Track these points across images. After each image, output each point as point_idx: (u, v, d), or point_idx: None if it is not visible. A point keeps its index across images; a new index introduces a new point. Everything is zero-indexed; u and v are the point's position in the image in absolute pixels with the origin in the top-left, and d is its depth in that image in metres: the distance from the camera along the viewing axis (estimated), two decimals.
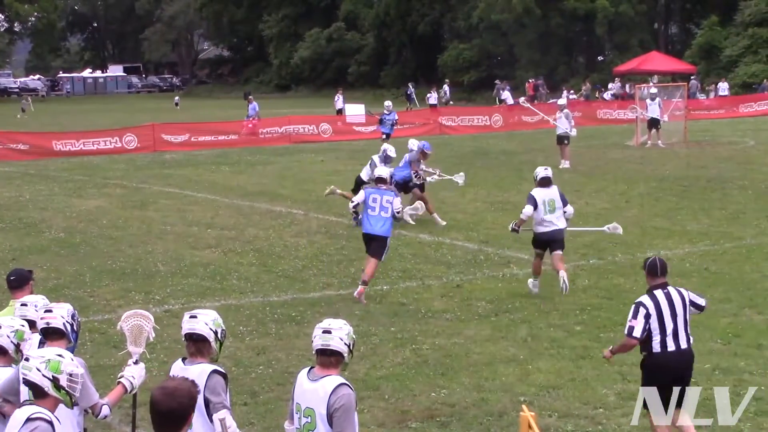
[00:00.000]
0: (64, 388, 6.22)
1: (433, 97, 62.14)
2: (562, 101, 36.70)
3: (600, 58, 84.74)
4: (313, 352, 6.89)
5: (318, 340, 6.85)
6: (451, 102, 67.71)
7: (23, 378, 6.31)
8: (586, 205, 24.18)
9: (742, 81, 65.18)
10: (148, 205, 25.57)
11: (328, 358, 6.81)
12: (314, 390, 6.73)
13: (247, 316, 14.81)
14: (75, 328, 7.65)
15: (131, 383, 7.47)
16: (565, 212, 16.00)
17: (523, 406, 7.82)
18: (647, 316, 9.16)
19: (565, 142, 32.28)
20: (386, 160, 20.78)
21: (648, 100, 39.10)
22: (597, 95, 66.47)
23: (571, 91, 65.08)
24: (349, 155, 37.28)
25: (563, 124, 32.29)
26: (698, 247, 19.05)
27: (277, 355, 12.86)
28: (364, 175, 21.93)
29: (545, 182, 15.93)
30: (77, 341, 8.00)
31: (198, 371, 6.86)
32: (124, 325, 7.74)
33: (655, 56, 67.96)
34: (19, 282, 9.27)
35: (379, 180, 16.16)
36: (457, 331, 13.78)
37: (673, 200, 24.56)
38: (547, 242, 15.93)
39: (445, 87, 69.70)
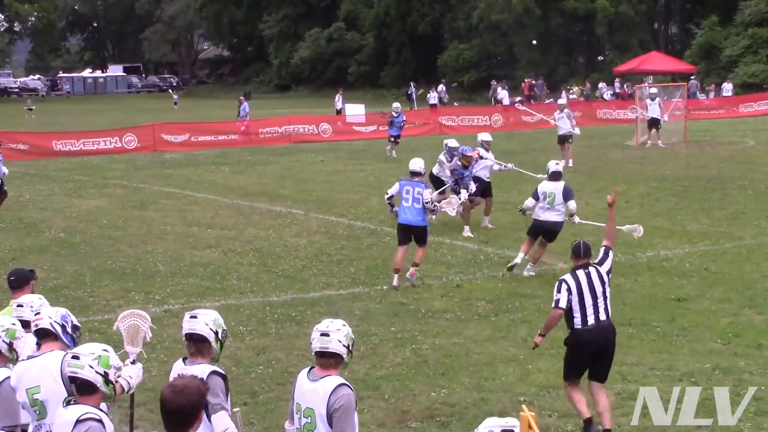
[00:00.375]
0: (112, 383, 6.30)
1: (433, 97, 62.17)
2: (563, 101, 36.66)
3: (600, 58, 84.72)
4: (313, 354, 6.89)
5: (316, 343, 6.85)
6: (446, 102, 67.58)
7: (71, 375, 6.30)
8: (587, 205, 24.14)
9: (743, 81, 65.16)
10: (148, 205, 25.57)
11: (328, 360, 6.82)
12: (314, 390, 6.73)
13: (247, 315, 14.81)
14: (69, 330, 7.59)
15: (128, 383, 7.42)
16: (568, 207, 17.14)
17: (523, 406, 7.79)
18: (569, 290, 9.99)
19: (569, 141, 32.24)
20: (449, 152, 21.58)
21: (648, 100, 39.10)
22: (597, 94, 66.51)
23: (571, 91, 65.08)
24: (349, 155, 37.33)
25: (565, 124, 32.26)
26: (698, 247, 19.05)
27: (277, 355, 12.86)
28: (435, 171, 21.72)
29: (554, 176, 17.20)
30: (75, 344, 7.97)
31: (198, 372, 6.84)
32: (121, 325, 7.74)
33: (655, 56, 68.00)
34: (19, 282, 9.26)
35: (414, 173, 16.72)
36: (457, 331, 13.78)
37: (673, 200, 24.56)
38: (540, 231, 17.29)
39: (441, 87, 69.74)
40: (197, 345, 7.08)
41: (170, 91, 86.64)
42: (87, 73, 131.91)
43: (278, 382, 11.74)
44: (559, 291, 10.06)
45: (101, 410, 6.26)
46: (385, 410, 10.72)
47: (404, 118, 38.51)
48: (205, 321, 7.09)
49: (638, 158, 34.21)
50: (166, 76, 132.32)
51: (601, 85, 68.74)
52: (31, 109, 72.03)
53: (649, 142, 38.70)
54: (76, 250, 19.87)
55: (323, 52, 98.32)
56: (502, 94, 63.37)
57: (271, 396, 11.35)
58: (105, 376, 6.25)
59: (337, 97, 57.66)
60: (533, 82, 71.52)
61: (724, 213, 22.70)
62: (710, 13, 73.69)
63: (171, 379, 7.04)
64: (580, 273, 10.14)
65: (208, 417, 6.80)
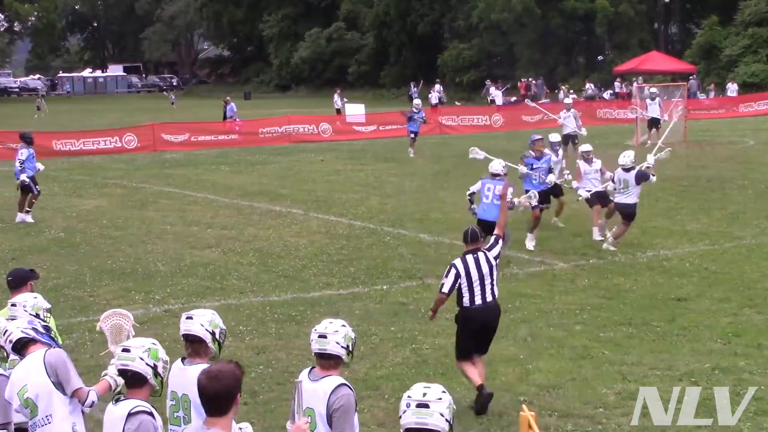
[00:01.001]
0: (160, 375, 6.38)
1: (434, 97, 62.17)
2: (569, 100, 36.51)
3: (600, 57, 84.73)
4: (312, 354, 6.90)
5: (315, 345, 6.86)
6: (444, 101, 67.53)
7: (122, 368, 6.39)
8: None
9: (743, 81, 65.16)
10: (148, 205, 25.58)
11: (327, 361, 6.83)
12: (314, 390, 6.73)
13: (247, 315, 14.81)
14: (41, 329, 7.57)
15: (115, 381, 7.44)
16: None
17: (523, 406, 7.82)
18: (457, 276, 10.79)
19: (576, 141, 32.16)
20: (552, 147, 22.11)
21: (648, 100, 39.10)
22: (583, 96, 66.55)
23: (571, 91, 65.13)
24: (349, 155, 37.33)
25: (571, 124, 32.17)
26: (698, 247, 19.06)
27: (277, 355, 12.86)
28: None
29: (627, 169, 19.23)
30: (55, 341, 7.92)
31: (196, 372, 6.85)
32: (104, 325, 7.75)
33: (655, 56, 67.99)
34: (17, 282, 9.25)
35: (494, 174, 17.50)
36: None
37: (673, 200, 24.56)
38: (619, 211, 19.25)
39: (438, 86, 69.72)
40: (194, 346, 7.11)
41: (165, 93, 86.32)
42: (87, 72, 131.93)
43: (278, 382, 11.74)
44: (447, 276, 10.87)
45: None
46: (385, 410, 10.71)
47: (424, 116, 38.48)
48: (200, 322, 7.09)
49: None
50: (166, 75, 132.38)
51: (588, 85, 68.93)
52: (39, 108, 72.56)
53: (648, 141, 38.67)
54: (76, 250, 19.88)
55: (323, 51, 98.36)
56: (495, 93, 63.45)
57: (271, 396, 11.35)
58: (154, 368, 6.35)
59: (335, 97, 57.65)
60: (533, 81, 71.56)
61: (723, 213, 22.70)
62: (710, 13, 73.69)
63: (170, 380, 7.05)
64: (469, 257, 10.90)
65: None
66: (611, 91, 68.18)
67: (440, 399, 5.38)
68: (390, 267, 17.82)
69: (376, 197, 25.96)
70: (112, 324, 7.72)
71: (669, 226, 21.25)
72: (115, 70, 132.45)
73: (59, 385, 7.18)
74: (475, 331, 10.97)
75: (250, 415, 10.63)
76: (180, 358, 7.16)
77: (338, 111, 54.51)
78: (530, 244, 19.20)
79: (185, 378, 6.93)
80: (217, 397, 5.60)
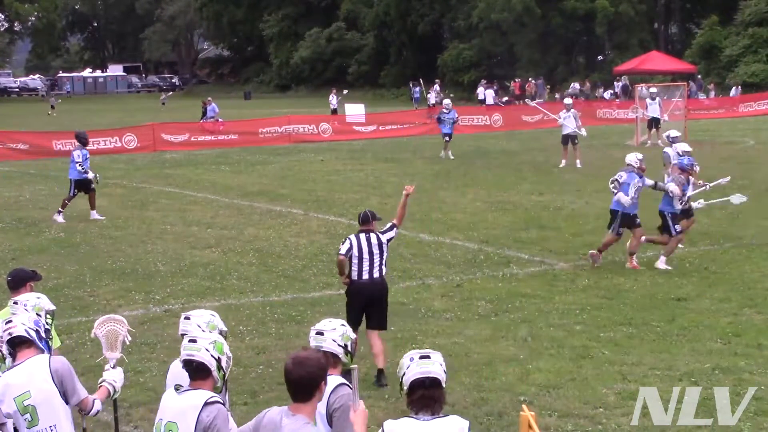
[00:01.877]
0: (223, 369, 6.34)
1: (432, 97, 62.15)
2: (569, 101, 36.48)
3: (600, 57, 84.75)
4: None
5: (312, 342, 6.85)
6: (439, 101, 67.63)
7: (187, 359, 6.32)
8: (587, 204, 24.22)
9: (743, 81, 65.19)
10: (148, 205, 25.59)
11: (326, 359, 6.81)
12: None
13: (247, 315, 14.81)
14: (42, 334, 7.41)
15: (113, 386, 7.48)
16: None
17: (524, 406, 7.81)
18: (350, 247, 11.92)
19: (576, 142, 32.16)
20: (674, 140, 21.54)
21: (648, 100, 39.11)
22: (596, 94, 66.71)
23: (569, 90, 65.20)
24: (349, 155, 37.33)
25: (570, 124, 32.16)
26: (698, 247, 19.06)
27: (277, 355, 12.84)
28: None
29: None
30: (50, 349, 7.81)
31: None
32: (98, 331, 7.70)
33: (655, 56, 68.01)
34: (16, 282, 9.22)
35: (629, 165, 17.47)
36: (457, 330, 13.78)
37: None
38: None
39: (435, 86, 69.74)
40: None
41: (162, 96, 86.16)
42: (87, 72, 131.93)
43: (278, 382, 11.70)
44: (342, 245, 12.11)
45: None
46: (384, 410, 10.70)
47: (456, 116, 36.86)
48: (197, 323, 7.06)
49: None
50: (166, 75, 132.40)
51: (574, 84, 69.06)
52: (53, 106, 73.05)
53: (649, 141, 38.69)
54: (76, 250, 19.88)
55: (323, 51, 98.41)
56: (486, 93, 63.47)
57: (271, 396, 11.32)
58: (218, 361, 6.31)
59: (331, 96, 57.55)
60: (537, 81, 71.62)
61: (723, 213, 22.67)
62: (710, 13, 73.72)
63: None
64: (362, 236, 12.02)
65: None
66: (611, 91, 68.22)
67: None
68: (390, 267, 17.57)
69: (376, 197, 25.95)
70: (107, 330, 7.68)
71: None
72: (115, 70, 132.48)
73: (63, 394, 7.10)
74: (362, 304, 11.97)
75: (251, 415, 10.58)
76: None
77: (334, 111, 54.45)
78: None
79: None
80: (301, 382, 5.73)
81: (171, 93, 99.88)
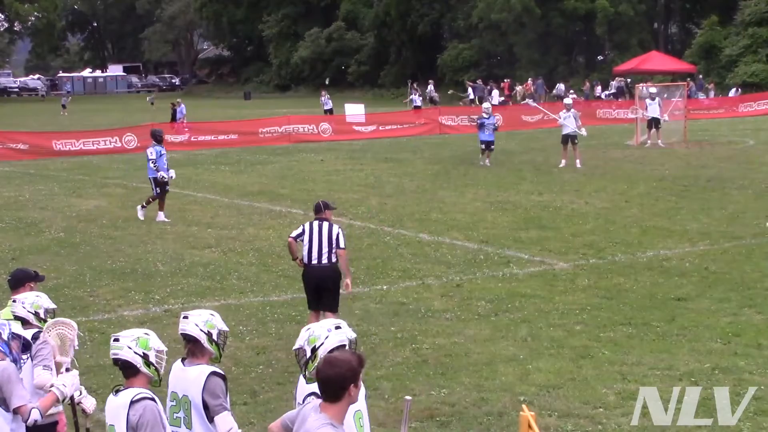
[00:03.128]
0: (153, 365, 6.38)
1: (416, 99, 61.71)
2: (569, 101, 36.38)
3: (599, 57, 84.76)
4: None
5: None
6: (437, 101, 67.45)
7: (114, 358, 6.42)
8: (586, 204, 24.22)
9: (742, 81, 65.21)
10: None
11: None
12: (311, 388, 6.71)
13: (247, 315, 14.81)
14: (5, 337, 7.34)
15: (62, 392, 7.33)
16: None
17: (523, 406, 7.82)
18: (302, 232, 12.93)
19: (575, 141, 32.14)
20: None
21: (648, 100, 39.11)
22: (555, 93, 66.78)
23: (571, 91, 65.15)
24: (348, 155, 37.32)
25: (571, 124, 32.13)
26: (698, 247, 19.05)
27: (277, 355, 12.86)
28: None
29: None
30: (12, 353, 7.70)
31: (196, 373, 6.83)
32: (48, 335, 7.62)
33: (655, 56, 68.05)
34: (14, 283, 9.20)
35: None
36: (457, 330, 13.78)
37: (673, 200, 24.55)
38: None
39: (430, 87, 69.57)
40: (190, 345, 7.02)
41: (149, 96, 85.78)
42: (87, 72, 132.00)
43: (278, 382, 11.74)
44: (296, 230, 13.19)
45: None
46: (384, 410, 10.71)
47: (497, 120, 34.29)
48: (195, 321, 7.01)
49: (638, 158, 34.22)
50: (166, 75, 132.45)
51: (559, 86, 69.18)
52: (64, 106, 73.30)
53: (648, 141, 38.71)
54: (75, 250, 19.88)
55: (323, 51, 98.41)
56: (470, 92, 63.51)
57: (271, 396, 11.34)
58: (144, 357, 6.35)
59: (322, 98, 57.33)
60: (536, 81, 71.64)
61: (723, 213, 22.69)
62: (710, 13, 73.71)
63: (170, 380, 7.03)
64: (315, 223, 12.91)
65: (210, 419, 6.78)
66: (608, 92, 68.24)
67: (321, 326, 6.60)
68: (390, 267, 17.82)
69: (376, 197, 25.96)
70: (55, 334, 7.59)
71: (669, 225, 21.24)
72: (115, 70, 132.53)
73: (2, 401, 7.05)
74: (312, 287, 13.05)
75: (250, 416, 10.65)
76: (180, 359, 7.13)
77: (327, 111, 54.23)
78: None
79: (186, 379, 6.89)
80: (329, 382, 5.74)
81: (157, 92, 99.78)
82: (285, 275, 17.35)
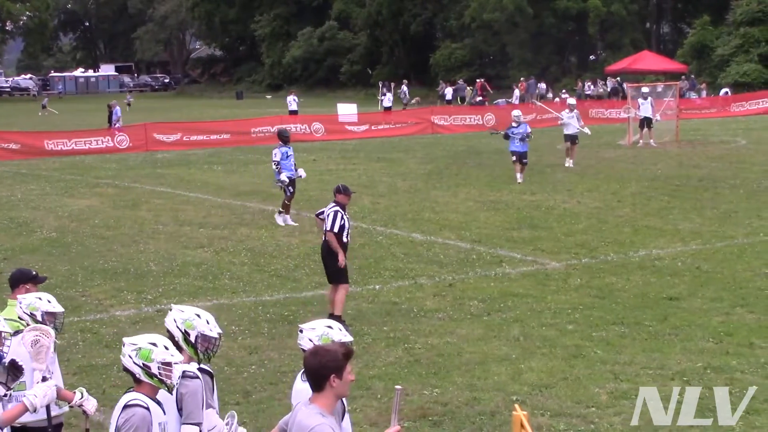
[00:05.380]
0: (156, 376, 6.28)
1: (387, 99, 61.43)
2: (572, 101, 36.29)
3: (592, 57, 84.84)
4: None
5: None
6: (414, 102, 67.27)
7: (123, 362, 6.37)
8: (578, 204, 24.24)
9: (734, 80, 65.31)
10: (140, 205, 25.54)
11: None
12: (303, 390, 6.70)
13: (240, 315, 14.81)
14: None
15: (32, 402, 6.98)
16: None
17: (516, 405, 7.83)
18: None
19: (576, 142, 32.15)
20: None
21: (640, 99, 39.13)
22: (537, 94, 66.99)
23: (564, 90, 65.18)
24: (341, 154, 37.31)
25: (574, 123, 32.10)
26: (690, 246, 19.07)
27: (269, 355, 12.86)
28: None
29: None
30: None
31: (182, 370, 6.80)
32: (24, 341, 7.46)
33: (647, 55, 68.06)
34: (12, 283, 9.14)
35: None
36: (450, 330, 13.78)
37: (665, 199, 24.58)
38: None
39: (404, 87, 69.26)
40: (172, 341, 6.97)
41: (128, 97, 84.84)
42: (79, 72, 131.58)
43: (271, 382, 11.74)
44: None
45: (155, 399, 6.30)
46: (377, 409, 10.71)
47: (528, 130, 28.89)
48: (174, 317, 6.95)
49: (630, 157, 34.24)
50: (158, 75, 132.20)
51: (540, 85, 69.37)
52: (44, 106, 73.05)
53: (641, 141, 38.74)
54: (67, 250, 19.85)
55: (315, 51, 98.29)
56: (447, 91, 63.53)
57: (263, 395, 11.34)
58: (144, 368, 6.25)
59: (289, 99, 56.45)
60: (529, 80, 71.75)
61: (715, 212, 22.72)
62: (702, 13, 73.82)
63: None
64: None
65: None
66: (601, 90, 68.35)
67: (312, 329, 6.73)
68: (382, 266, 17.83)
69: (369, 197, 25.94)
70: (31, 340, 7.39)
71: (661, 225, 21.27)
72: (107, 69, 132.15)
73: None
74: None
75: (243, 416, 10.61)
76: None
77: (293, 112, 53.54)
78: None
79: None
80: (311, 371, 5.88)
81: (133, 92, 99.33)
82: (277, 275, 17.37)
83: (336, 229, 14.20)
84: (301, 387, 6.71)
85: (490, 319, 14.32)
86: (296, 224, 22.38)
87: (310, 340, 6.67)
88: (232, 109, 71.32)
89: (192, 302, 15.05)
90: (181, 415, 6.61)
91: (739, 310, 14.41)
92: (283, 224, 22.26)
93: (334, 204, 14.35)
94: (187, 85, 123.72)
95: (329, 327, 6.80)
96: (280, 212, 22.58)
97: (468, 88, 71.35)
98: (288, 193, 22.49)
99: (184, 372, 6.59)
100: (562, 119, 32.68)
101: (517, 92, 66.08)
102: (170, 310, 7.07)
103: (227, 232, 21.54)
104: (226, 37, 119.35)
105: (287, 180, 22.35)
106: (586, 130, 32.84)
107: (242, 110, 69.12)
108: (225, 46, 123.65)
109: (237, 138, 42.69)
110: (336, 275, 14.30)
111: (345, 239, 14.39)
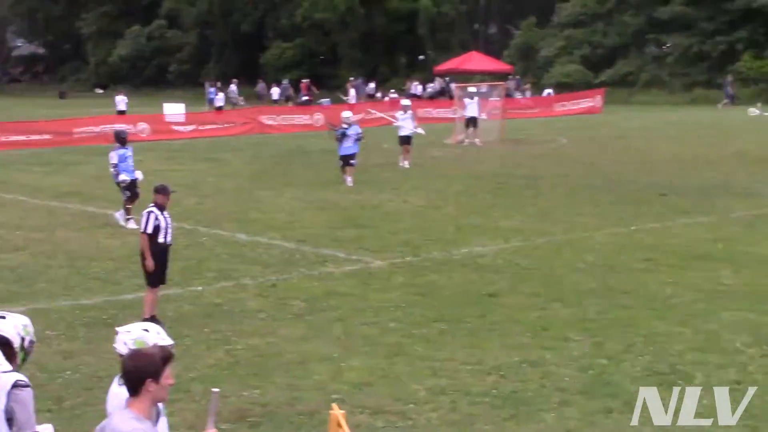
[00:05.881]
0: (25, 350, 6.36)
1: (219, 99, 61.22)
2: (406, 102, 36.65)
3: (421, 57, 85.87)
4: None
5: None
6: (242, 102, 66.90)
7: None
8: (404, 203, 24.46)
9: (557, 81, 67.10)
10: None
11: None
12: (120, 394, 6.50)
13: (56, 320, 14.35)
14: None
15: None
16: None
17: (333, 405, 7.78)
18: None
19: (411, 142, 32.44)
20: None
21: (466, 99, 39.80)
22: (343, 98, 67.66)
23: (392, 90, 65.74)
24: (167, 155, 36.74)
25: (408, 125, 32.40)
26: (511, 243, 19.43)
27: (85, 359, 12.51)
28: None
29: None
30: None
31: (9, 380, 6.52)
32: None
33: (475, 56, 69.36)
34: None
35: None
36: (271, 330, 13.67)
37: (488, 197, 25.03)
38: None
39: (232, 86, 68.67)
40: (4, 349, 6.72)
41: None
42: None
43: (86, 387, 11.41)
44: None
45: None
46: (195, 412, 10.51)
47: (360, 131, 28.63)
48: (14, 323, 6.72)
49: (456, 156, 34.78)
50: None
51: (370, 85, 70.31)
52: None
53: (466, 140, 39.39)
54: None
55: (143, 50, 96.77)
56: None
57: (78, 401, 11.02)
58: (22, 340, 6.26)
59: (117, 98, 55.66)
60: (353, 81, 72.05)
61: (536, 209, 23.26)
62: (528, 15, 75.58)
63: None
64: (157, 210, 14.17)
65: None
66: (430, 90, 69.22)
67: (128, 332, 6.51)
68: (205, 267, 17.60)
69: (193, 197, 25.58)
70: None
71: (483, 223, 21.63)
72: None
73: None
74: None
75: (55, 423, 10.17)
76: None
77: (120, 113, 52.75)
78: None
79: None
80: (128, 376, 5.72)
81: None
82: (97, 277, 16.96)
83: (150, 230, 14.05)
84: (117, 391, 6.52)
85: (313, 318, 14.27)
86: (136, 227, 21.93)
87: (125, 344, 6.49)
88: (54, 109, 69.41)
89: (6, 308, 14.48)
90: (10, 428, 6.34)
91: (555, 305, 14.74)
92: (124, 224, 21.84)
93: (152, 205, 14.28)
94: (8, 84, 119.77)
95: (146, 330, 6.63)
96: (128, 219, 21.90)
97: (291, 89, 71.09)
98: (125, 197, 22.03)
99: (16, 381, 6.32)
100: (397, 120, 32.97)
101: (352, 92, 66.31)
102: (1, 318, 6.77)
103: (45, 234, 20.91)
104: (49, 34, 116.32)
105: (127, 180, 21.92)
106: (420, 131, 33.23)
107: (65, 110, 67.34)
108: (48, 43, 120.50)
109: (59, 138, 41.57)
110: (145, 277, 14.34)
111: (162, 240, 14.23)
